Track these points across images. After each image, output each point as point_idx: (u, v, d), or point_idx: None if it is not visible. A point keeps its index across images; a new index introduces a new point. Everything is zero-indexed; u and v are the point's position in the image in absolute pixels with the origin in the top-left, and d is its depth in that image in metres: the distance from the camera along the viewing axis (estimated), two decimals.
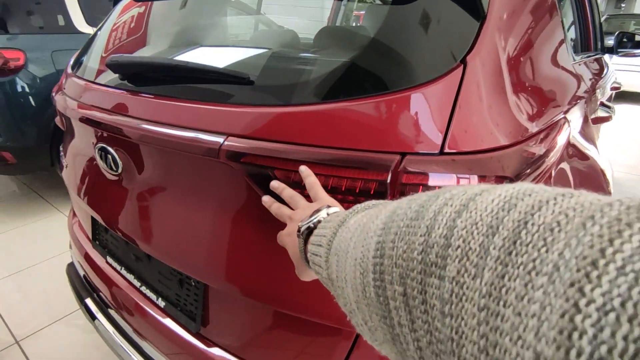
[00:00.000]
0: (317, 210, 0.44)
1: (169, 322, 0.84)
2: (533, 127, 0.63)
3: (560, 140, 0.75)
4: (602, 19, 6.10)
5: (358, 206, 0.39)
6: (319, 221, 0.42)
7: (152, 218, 0.76)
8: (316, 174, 0.53)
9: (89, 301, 1.13)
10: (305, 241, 0.43)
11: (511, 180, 0.53)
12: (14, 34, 2.51)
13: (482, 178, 0.52)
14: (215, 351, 0.77)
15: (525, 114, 0.62)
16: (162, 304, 0.85)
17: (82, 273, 1.21)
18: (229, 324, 0.75)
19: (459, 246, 0.20)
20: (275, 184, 0.53)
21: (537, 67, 0.73)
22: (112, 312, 1.04)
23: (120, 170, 0.77)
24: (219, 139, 0.58)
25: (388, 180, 0.50)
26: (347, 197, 0.53)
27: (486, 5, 0.59)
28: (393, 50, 0.59)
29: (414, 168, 0.50)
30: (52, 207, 2.81)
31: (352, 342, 0.60)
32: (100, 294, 1.08)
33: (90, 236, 1.07)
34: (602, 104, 1.30)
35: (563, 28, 0.90)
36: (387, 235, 0.27)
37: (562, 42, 0.90)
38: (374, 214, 0.31)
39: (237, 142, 0.57)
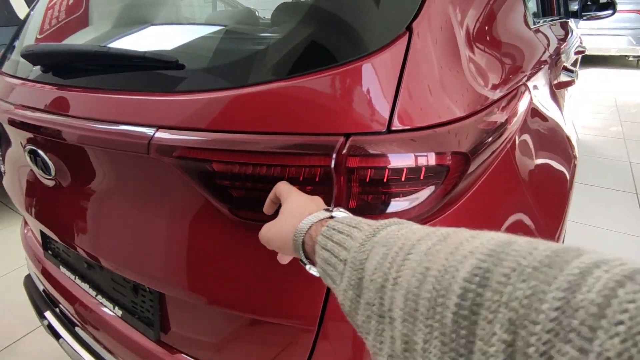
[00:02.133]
0: (328, 210, 0.41)
1: (128, 331, 0.79)
2: (492, 95, 0.59)
3: (522, 107, 0.72)
4: None
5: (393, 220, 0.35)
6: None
7: (93, 225, 0.70)
8: (256, 164, 0.48)
9: (48, 314, 1.06)
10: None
11: (466, 155, 0.50)
12: None
13: (439, 155, 0.48)
14: (179, 357, 0.72)
15: (482, 82, 0.59)
16: (118, 312, 0.79)
17: (39, 285, 1.14)
18: (190, 328, 0.71)
19: (621, 322, 0.17)
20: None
21: (494, 32, 0.69)
22: (73, 325, 0.98)
23: (53, 173, 0.70)
24: (148, 132, 0.52)
25: (332, 166, 0.46)
26: (293, 185, 0.48)
27: None
28: (329, 21, 0.53)
29: (359, 150, 0.46)
30: (15, 213, 2.67)
31: (313, 341, 0.56)
32: (60, 306, 1.02)
33: (42, 245, 1.00)
34: (565, 68, 1.28)
35: None
36: (496, 265, 0.23)
37: (520, 4, 0.86)
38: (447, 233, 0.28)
39: (168, 134, 0.51)
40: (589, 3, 2.36)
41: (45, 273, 1.03)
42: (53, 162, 0.69)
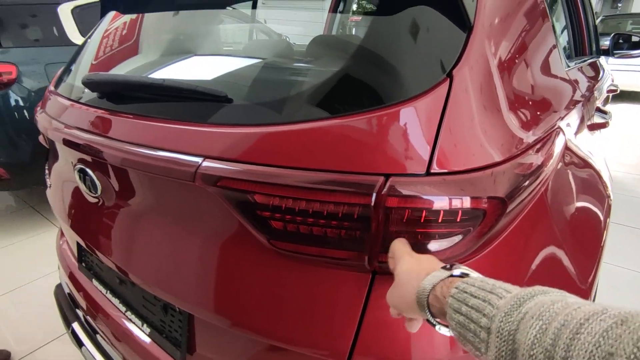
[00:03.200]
0: (446, 268, 0.42)
1: (153, 349, 0.80)
2: (528, 139, 0.60)
3: (556, 149, 0.72)
4: (598, 20, 6.08)
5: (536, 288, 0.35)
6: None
7: (131, 242, 0.73)
8: (296, 198, 0.50)
9: (75, 326, 1.09)
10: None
11: (503, 200, 0.50)
12: (6, 47, 2.51)
13: (475, 199, 0.49)
14: None
15: (519, 126, 0.59)
16: (147, 330, 0.81)
17: (69, 296, 1.18)
18: (216, 351, 0.72)
19: None
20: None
21: (529, 77, 0.70)
22: (99, 337, 1.00)
23: (99, 192, 0.74)
24: (196, 161, 0.55)
25: (372, 204, 0.47)
26: (330, 222, 0.49)
27: (472, 14, 0.56)
28: (375, 65, 0.56)
29: (399, 191, 0.47)
30: (48, 222, 2.78)
31: None
32: (88, 318, 1.05)
33: (76, 258, 1.04)
34: (599, 110, 1.27)
35: (555, 34, 0.87)
36: None
37: (553, 48, 0.87)
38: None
39: (214, 164, 0.54)
40: (620, 41, 2.35)
41: (76, 284, 1.07)
42: (100, 182, 0.73)
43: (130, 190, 0.69)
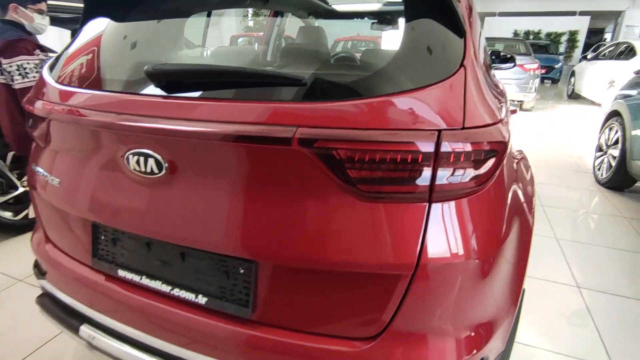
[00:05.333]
0: None
1: (212, 317, 0.87)
2: (500, 114, 0.89)
3: (511, 126, 1.03)
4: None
5: None
6: None
7: (205, 215, 0.81)
8: (376, 150, 0.69)
9: (85, 327, 1.06)
10: None
11: (501, 143, 0.76)
12: None
13: (491, 143, 0.73)
14: (270, 331, 0.84)
15: (494, 104, 0.88)
16: (202, 300, 0.88)
17: (66, 299, 1.12)
18: (280, 302, 0.84)
19: None
20: None
21: (488, 71, 1.00)
22: (123, 328, 1.00)
23: (163, 172, 0.81)
24: (292, 129, 0.69)
25: (432, 150, 0.69)
26: (403, 165, 0.69)
27: (464, 26, 0.83)
28: (420, 58, 0.79)
29: (447, 140, 0.70)
30: None
31: (407, 285, 0.75)
32: (104, 314, 1.03)
33: (91, 253, 1.02)
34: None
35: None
36: None
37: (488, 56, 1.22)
38: None
39: (310, 130, 0.69)
40: (493, 57, 3.04)
41: (86, 282, 1.04)
42: (167, 162, 0.80)
43: (206, 165, 0.78)
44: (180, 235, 0.84)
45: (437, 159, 0.70)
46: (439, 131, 0.70)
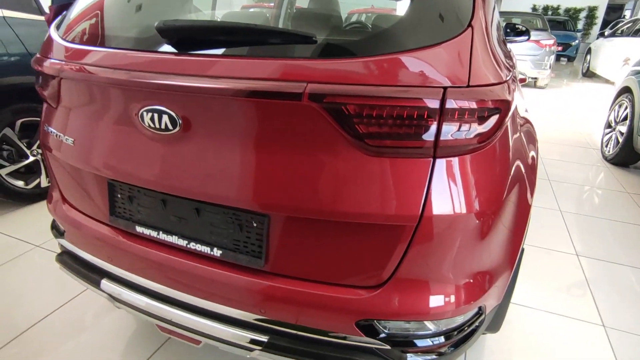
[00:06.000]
0: None
1: (227, 268, 0.93)
2: (505, 77, 0.90)
3: (517, 92, 1.05)
4: None
5: None
6: None
7: (219, 170, 0.84)
8: (386, 106, 0.71)
9: (107, 281, 1.12)
10: None
11: (504, 102, 0.78)
12: None
13: (495, 101, 0.75)
14: (282, 280, 0.89)
15: (500, 66, 0.89)
16: (217, 253, 0.93)
17: (85, 256, 1.18)
18: (291, 253, 0.89)
19: None
20: None
21: (498, 35, 1.01)
22: (140, 281, 1.07)
23: (177, 128, 0.84)
24: (302, 84, 0.72)
25: (438, 106, 0.71)
26: (410, 121, 0.72)
27: None
28: (430, 16, 0.80)
29: (452, 97, 0.72)
30: None
31: (411, 236, 0.79)
32: (123, 268, 1.09)
33: (108, 211, 1.07)
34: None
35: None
36: None
37: (499, 22, 1.22)
38: None
39: (320, 85, 0.72)
40: (508, 30, 2.98)
41: (106, 238, 1.10)
42: (181, 118, 0.83)
43: (219, 121, 0.81)
44: (195, 190, 0.89)
45: (442, 115, 0.72)
46: (445, 88, 0.72)
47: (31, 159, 2.52)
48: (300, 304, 0.90)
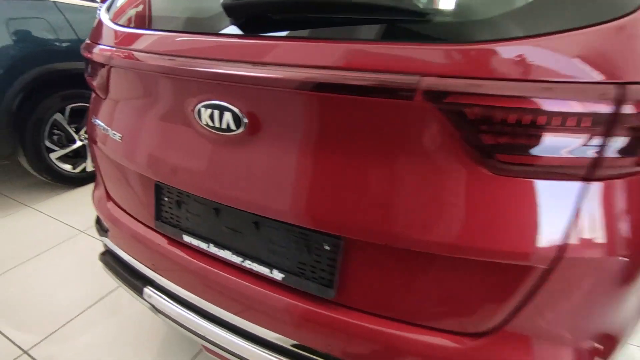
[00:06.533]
0: None
1: (288, 295, 0.78)
2: None
3: None
4: None
5: None
6: None
7: (288, 180, 0.68)
8: (524, 109, 0.52)
9: (149, 290, 1.02)
10: None
11: None
12: None
13: None
14: (357, 316, 0.73)
15: None
16: (278, 276, 0.78)
17: (129, 259, 1.08)
18: (371, 284, 0.72)
19: None
20: None
21: None
22: (186, 295, 0.95)
23: (241, 128, 0.68)
24: (414, 78, 0.53)
25: (610, 111, 0.50)
26: (565, 130, 0.52)
27: None
28: None
29: (631, 98, 0.50)
30: (16, 202, 2.47)
31: (537, 280, 0.60)
32: (169, 279, 0.98)
33: (154, 215, 0.95)
34: None
35: None
36: None
37: None
38: None
39: (437, 81, 0.53)
40: None
41: (149, 244, 0.98)
42: (248, 118, 0.67)
43: (294, 122, 0.65)
44: (255, 202, 0.73)
45: (613, 122, 0.51)
46: (622, 85, 0.50)
47: (79, 143, 2.52)
48: (377, 344, 0.74)
